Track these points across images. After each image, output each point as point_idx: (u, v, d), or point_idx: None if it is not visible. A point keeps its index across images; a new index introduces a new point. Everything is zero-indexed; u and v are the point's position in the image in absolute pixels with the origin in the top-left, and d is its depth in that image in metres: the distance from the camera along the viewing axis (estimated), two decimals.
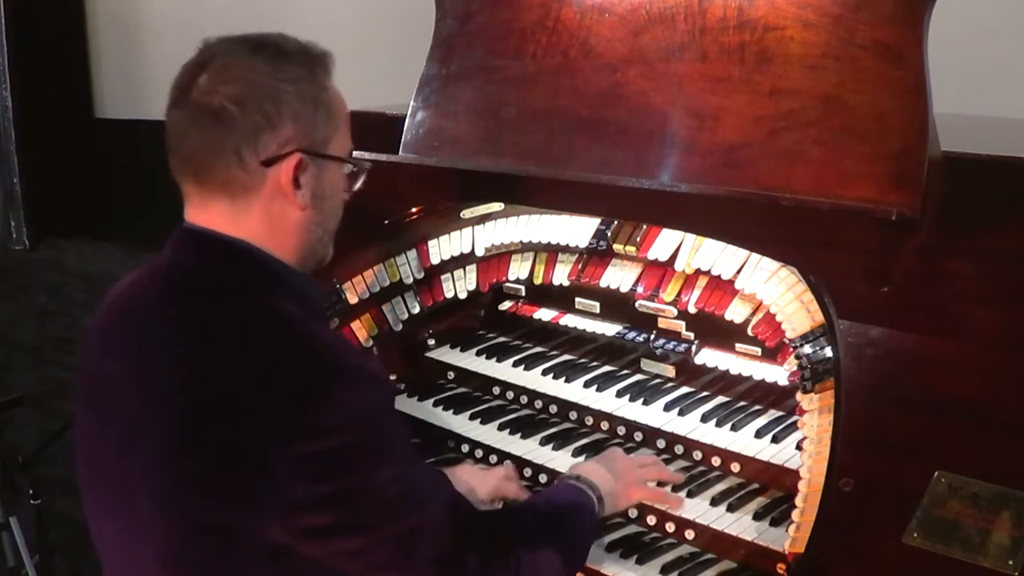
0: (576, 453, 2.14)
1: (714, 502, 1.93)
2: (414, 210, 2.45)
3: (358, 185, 1.66)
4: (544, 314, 2.50)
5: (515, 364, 2.43)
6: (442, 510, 1.55)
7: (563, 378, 2.34)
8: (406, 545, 1.50)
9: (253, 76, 1.50)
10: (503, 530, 1.67)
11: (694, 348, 2.22)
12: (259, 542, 1.44)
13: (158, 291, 1.56)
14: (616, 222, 2.27)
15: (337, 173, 1.61)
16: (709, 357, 2.20)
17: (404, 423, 1.69)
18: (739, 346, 2.13)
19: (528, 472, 2.14)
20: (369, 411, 1.46)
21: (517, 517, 1.78)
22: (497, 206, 2.46)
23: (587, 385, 2.30)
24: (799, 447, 1.87)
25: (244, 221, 1.53)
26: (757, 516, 1.88)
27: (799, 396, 1.83)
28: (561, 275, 2.38)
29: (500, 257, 2.50)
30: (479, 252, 2.50)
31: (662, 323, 2.27)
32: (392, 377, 2.53)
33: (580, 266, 2.36)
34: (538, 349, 2.50)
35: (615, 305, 2.36)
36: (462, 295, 2.54)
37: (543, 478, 2.11)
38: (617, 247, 2.26)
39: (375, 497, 1.47)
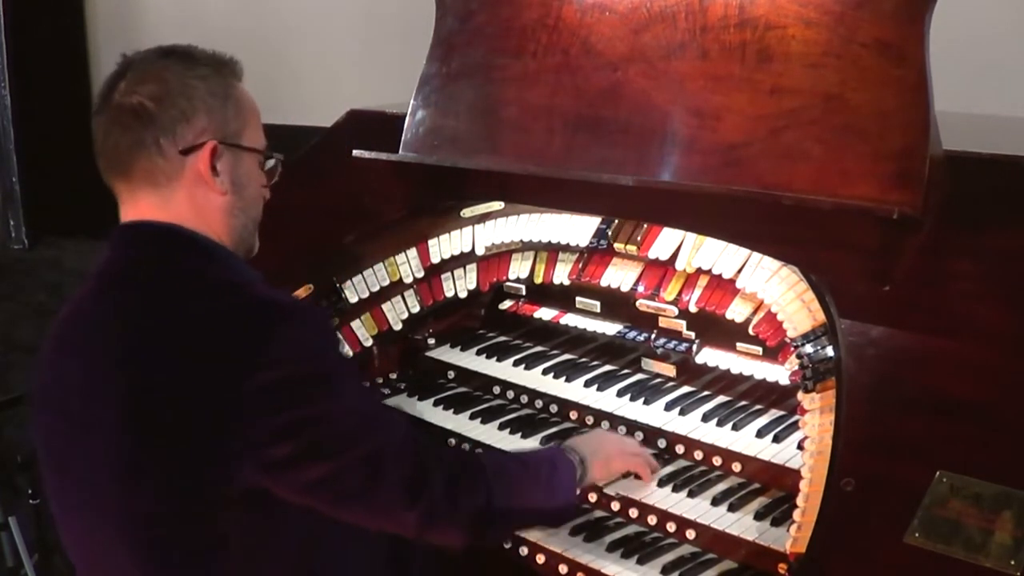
0: None
1: (715, 502, 1.93)
2: (414, 209, 2.44)
3: (275, 178, 1.79)
4: (544, 313, 2.49)
5: (515, 363, 2.43)
6: (404, 433, 1.66)
7: (563, 377, 2.33)
8: (372, 468, 1.59)
9: (166, 75, 1.64)
10: (471, 459, 1.77)
11: (695, 347, 2.21)
12: (233, 492, 1.51)
13: (100, 287, 1.67)
14: (617, 221, 2.27)
15: (253, 165, 1.74)
16: (710, 356, 2.19)
17: (354, 365, 1.71)
18: (740, 345, 2.13)
19: None
20: (314, 344, 1.57)
21: (489, 454, 1.86)
22: (497, 205, 2.45)
23: (588, 385, 2.29)
24: (800, 447, 1.86)
25: (172, 207, 1.65)
26: (758, 516, 1.88)
27: (800, 396, 1.83)
28: (561, 274, 2.38)
29: (500, 256, 2.50)
30: (479, 251, 2.50)
31: (663, 322, 2.27)
32: (392, 376, 2.53)
33: (580, 265, 2.35)
34: (538, 348, 2.50)
35: (616, 304, 2.35)
36: (462, 294, 2.53)
37: None
38: (618, 246, 2.25)
39: (334, 425, 1.56)
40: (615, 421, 2.17)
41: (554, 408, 2.29)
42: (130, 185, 1.66)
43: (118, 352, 1.57)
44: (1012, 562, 1.43)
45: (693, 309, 2.15)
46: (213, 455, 1.51)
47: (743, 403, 2.16)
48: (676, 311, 2.23)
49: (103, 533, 1.60)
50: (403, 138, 2.39)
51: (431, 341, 2.56)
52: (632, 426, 2.14)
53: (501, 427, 2.26)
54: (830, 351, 1.77)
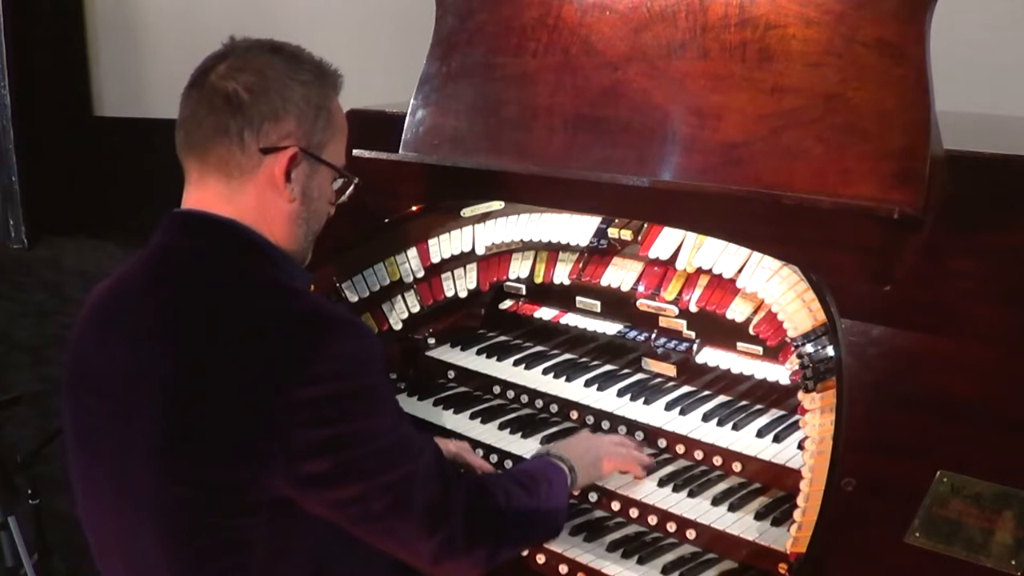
0: None
1: (715, 502, 1.92)
2: (414, 208, 2.44)
3: (343, 198, 1.76)
4: (545, 313, 2.49)
5: (516, 363, 2.42)
6: (431, 459, 1.63)
7: (564, 377, 2.33)
8: (401, 492, 1.57)
9: (268, 71, 1.62)
10: (486, 490, 1.74)
11: (695, 347, 2.21)
12: (263, 498, 1.50)
13: (147, 271, 1.63)
14: (617, 220, 2.26)
15: (327, 179, 1.71)
16: (710, 356, 2.19)
17: (391, 385, 1.71)
18: (740, 345, 2.13)
19: None
20: (361, 361, 1.55)
21: (496, 481, 1.83)
22: (498, 205, 2.45)
23: (588, 384, 2.29)
24: (801, 447, 1.86)
25: (238, 201, 1.62)
26: (759, 516, 1.88)
27: (801, 395, 1.83)
28: (562, 274, 2.38)
29: (501, 256, 2.49)
30: (480, 251, 2.49)
31: (663, 322, 2.26)
32: (392, 376, 2.53)
33: (581, 265, 2.35)
34: (539, 348, 2.49)
35: (616, 304, 2.35)
36: (462, 294, 2.53)
37: None
38: (612, 231, 2.25)
39: (371, 445, 1.54)
40: (615, 421, 2.17)
41: (554, 408, 2.28)
42: (203, 168, 1.63)
43: (164, 340, 1.54)
44: (1013, 562, 1.43)
45: (693, 309, 2.15)
46: (248, 459, 1.48)
47: (743, 403, 2.16)
48: (676, 311, 2.23)
49: (129, 516, 1.58)
50: (403, 137, 2.39)
51: (431, 341, 2.55)
52: (632, 426, 2.14)
53: (501, 427, 2.26)
54: (831, 351, 1.77)
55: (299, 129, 1.62)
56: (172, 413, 1.52)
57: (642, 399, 2.19)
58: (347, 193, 1.76)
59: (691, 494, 1.96)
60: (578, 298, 2.43)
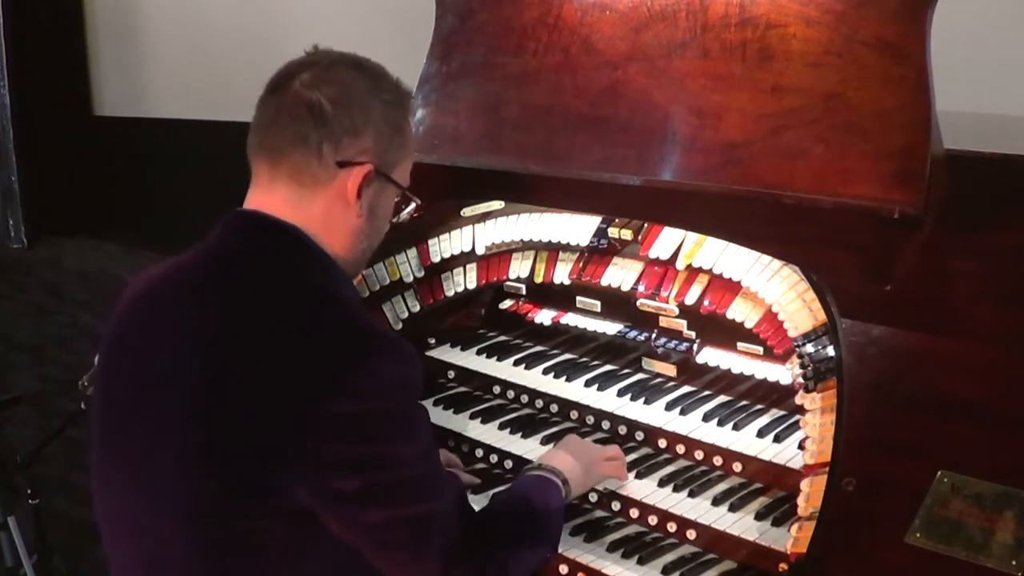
0: None
1: (716, 502, 1.92)
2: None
3: (402, 217, 1.78)
4: (545, 313, 2.49)
5: (516, 363, 2.42)
6: (454, 501, 1.63)
7: (564, 377, 2.33)
8: (420, 528, 1.56)
9: (352, 85, 1.64)
10: (490, 526, 1.73)
11: (695, 347, 2.21)
12: (285, 504, 1.49)
13: (201, 266, 1.64)
14: (617, 220, 2.26)
15: (392, 198, 1.74)
16: (711, 356, 2.19)
17: (427, 413, 1.71)
18: (741, 345, 2.13)
19: None
20: (405, 383, 1.55)
21: (496, 514, 1.82)
22: (498, 204, 2.45)
23: (588, 384, 2.29)
24: (801, 447, 1.86)
25: (305, 210, 1.63)
26: (759, 516, 1.88)
27: (801, 395, 1.83)
28: (562, 274, 2.38)
29: (501, 256, 2.49)
30: (480, 250, 2.49)
31: (663, 322, 2.26)
32: None
33: (581, 265, 2.35)
34: (539, 348, 2.49)
35: (616, 304, 2.35)
36: (462, 293, 2.53)
37: None
38: (612, 231, 2.24)
39: (402, 470, 1.54)
40: (615, 421, 2.17)
41: (554, 408, 2.28)
42: (274, 172, 1.63)
43: (209, 337, 1.54)
44: (1013, 562, 1.43)
45: (694, 308, 2.15)
46: (276, 461, 1.47)
47: (744, 403, 2.16)
48: (676, 310, 2.23)
49: (148, 505, 1.57)
50: None
51: (431, 341, 2.55)
52: (632, 426, 2.14)
53: (501, 427, 2.26)
54: (831, 351, 1.77)
55: (376, 147, 1.64)
56: (205, 408, 1.52)
57: (642, 399, 2.19)
58: (405, 212, 1.77)
59: (691, 494, 1.96)
60: (578, 298, 2.43)
